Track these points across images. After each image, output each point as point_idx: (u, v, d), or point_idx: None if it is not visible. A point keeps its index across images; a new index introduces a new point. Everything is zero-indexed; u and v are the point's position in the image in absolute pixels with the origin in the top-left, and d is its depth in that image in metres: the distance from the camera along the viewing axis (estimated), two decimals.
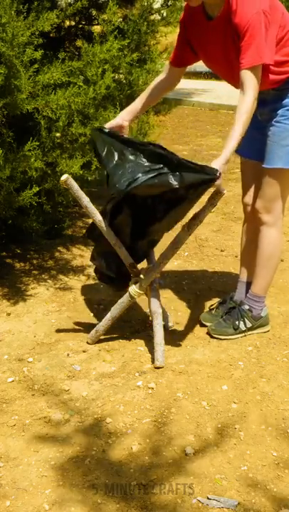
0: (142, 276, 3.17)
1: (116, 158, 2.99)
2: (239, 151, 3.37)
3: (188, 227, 3.04)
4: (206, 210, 2.99)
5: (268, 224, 3.27)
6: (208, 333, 3.45)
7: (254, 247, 3.42)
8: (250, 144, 3.30)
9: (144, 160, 2.94)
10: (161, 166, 2.86)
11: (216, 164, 2.85)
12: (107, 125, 3.22)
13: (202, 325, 3.53)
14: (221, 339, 3.40)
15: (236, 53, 2.88)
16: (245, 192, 3.46)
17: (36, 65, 3.55)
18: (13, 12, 3.33)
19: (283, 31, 2.95)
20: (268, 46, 2.84)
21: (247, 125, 2.89)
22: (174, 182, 2.79)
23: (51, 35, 4.61)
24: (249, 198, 3.42)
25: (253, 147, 3.29)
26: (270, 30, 2.84)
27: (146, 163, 2.92)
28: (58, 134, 3.83)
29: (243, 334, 3.43)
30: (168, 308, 3.67)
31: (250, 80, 2.85)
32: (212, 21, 2.97)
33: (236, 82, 2.98)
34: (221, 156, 2.87)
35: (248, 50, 2.81)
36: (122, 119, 3.26)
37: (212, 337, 3.41)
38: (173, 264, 4.35)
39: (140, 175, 2.84)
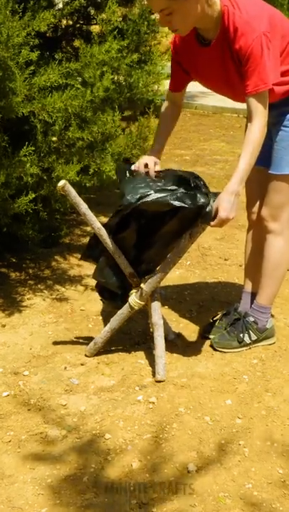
0: (142, 286, 3.19)
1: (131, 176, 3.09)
2: None
3: (191, 235, 3.06)
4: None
5: (275, 232, 3.28)
6: (211, 346, 3.46)
7: (259, 257, 3.43)
8: None
9: (161, 180, 3.00)
10: (176, 187, 2.94)
11: (224, 199, 2.90)
12: (136, 165, 3.20)
13: (205, 337, 3.54)
14: (224, 352, 3.41)
15: (239, 77, 2.89)
16: (249, 199, 3.48)
17: (32, 67, 3.57)
18: (8, 12, 3.35)
19: (285, 41, 2.94)
20: (271, 67, 2.83)
21: (256, 155, 2.90)
22: (184, 203, 2.90)
23: (48, 35, 4.63)
24: (253, 205, 3.44)
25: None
26: (272, 49, 2.82)
27: (161, 183, 2.97)
28: (54, 139, 3.85)
29: (248, 347, 3.44)
30: (169, 320, 3.68)
31: (257, 107, 2.85)
32: (207, 47, 2.97)
33: (239, 99, 3.01)
34: (228, 189, 2.90)
35: (253, 76, 2.81)
36: (150, 159, 3.21)
37: (215, 350, 3.43)
38: (175, 274, 4.36)
39: (152, 192, 2.92)
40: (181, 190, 2.92)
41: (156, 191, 2.92)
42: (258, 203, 3.42)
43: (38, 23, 3.59)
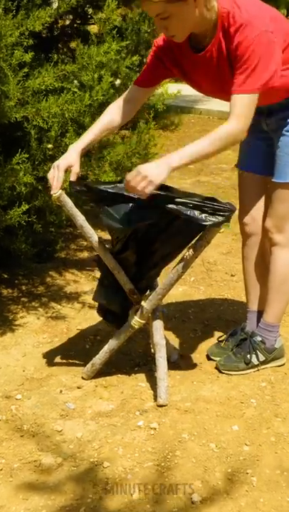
0: (143, 303, 3.21)
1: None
2: (240, 165, 3.43)
3: (194, 248, 3.08)
4: (213, 230, 3.03)
5: (281, 244, 3.30)
6: (217, 368, 3.47)
7: (261, 272, 3.45)
8: (252, 156, 3.34)
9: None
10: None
11: (153, 163, 2.86)
12: (61, 165, 3.06)
13: (210, 359, 3.56)
14: (231, 375, 3.42)
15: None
16: (243, 210, 3.47)
17: (26, 69, 3.58)
18: (0, 10, 3.38)
19: (285, 43, 2.94)
20: (271, 68, 2.82)
21: (215, 149, 2.86)
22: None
23: (43, 35, 4.66)
24: (249, 217, 3.44)
25: (257, 159, 3.33)
26: (276, 48, 2.82)
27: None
28: (49, 146, 3.87)
29: (256, 369, 3.46)
30: (172, 340, 3.70)
31: (242, 108, 2.82)
32: (200, 53, 2.96)
33: None
34: (164, 157, 2.85)
35: (245, 74, 2.79)
36: (74, 159, 3.10)
37: (221, 372, 3.44)
38: (178, 291, 4.38)
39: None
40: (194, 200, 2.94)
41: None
42: (254, 215, 3.42)
43: (33, 22, 3.60)
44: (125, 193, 2.91)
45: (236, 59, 2.81)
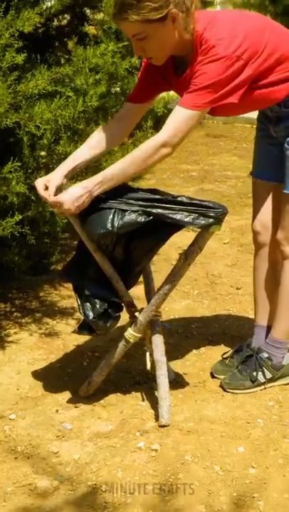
0: (137, 314, 3.23)
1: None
2: (254, 173, 3.45)
3: (186, 255, 3.10)
4: (205, 235, 3.05)
5: None
6: (221, 387, 3.48)
7: (271, 285, 3.47)
8: (265, 163, 3.36)
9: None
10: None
11: (73, 188, 2.96)
12: (41, 183, 3.09)
13: (214, 377, 3.57)
14: (236, 393, 3.43)
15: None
16: (256, 219, 3.48)
17: (17, 72, 3.59)
18: None
19: (272, 58, 2.98)
20: (225, 92, 2.88)
21: (133, 171, 2.96)
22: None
23: (37, 36, 4.67)
24: (261, 225, 3.45)
25: (269, 166, 3.34)
26: (238, 73, 2.88)
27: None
28: (42, 153, 3.88)
29: (263, 387, 3.47)
30: (174, 357, 3.71)
31: (176, 119, 2.91)
32: (180, 77, 3.05)
33: (222, 115, 3.15)
34: (82, 183, 2.95)
35: (193, 91, 2.88)
36: (61, 180, 3.14)
37: (226, 391, 3.45)
38: (180, 305, 4.40)
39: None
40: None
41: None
42: (267, 224, 3.44)
43: (22, 23, 3.60)
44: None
45: (193, 75, 2.89)
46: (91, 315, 3.13)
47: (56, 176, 3.09)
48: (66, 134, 3.94)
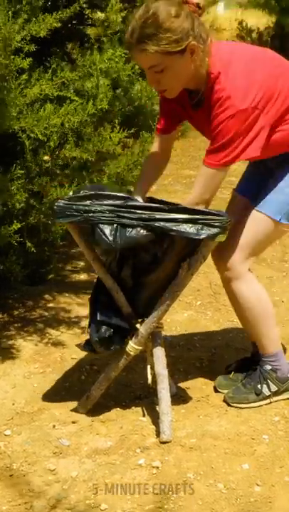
0: (138, 326, 3.23)
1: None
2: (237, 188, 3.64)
3: (189, 265, 3.10)
4: (209, 243, 3.05)
5: (230, 278, 3.42)
6: (225, 401, 3.48)
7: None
8: (248, 183, 3.55)
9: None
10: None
11: None
12: None
13: (218, 391, 3.57)
14: (241, 408, 3.43)
15: None
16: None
17: (25, 76, 3.61)
18: (10, 12, 3.41)
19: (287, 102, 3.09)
20: (246, 145, 2.99)
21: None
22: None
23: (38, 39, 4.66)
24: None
25: (252, 187, 3.48)
26: (256, 124, 2.97)
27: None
28: (46, 157, 3.88)
29: (268, 401, 3.47)
30: (176, 370, 3.71)
31: (204, 179, 3.10)
32: (198, 110, 3.14)
33: None
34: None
35: (214, 148, 3.00)
36: None
37: (230, 406, 3.45)
38: (182, 316, 4.40)
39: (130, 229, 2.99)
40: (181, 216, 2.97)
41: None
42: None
43: (37, 26, 3.63)
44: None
45: (211, 128, 2.99)
46: (95, 337, 3.17)
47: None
48: (72, 138, 3.95)
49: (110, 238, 2.95)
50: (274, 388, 3.47)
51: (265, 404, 3.45)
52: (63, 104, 3.81)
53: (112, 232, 2.95)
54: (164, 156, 3.45)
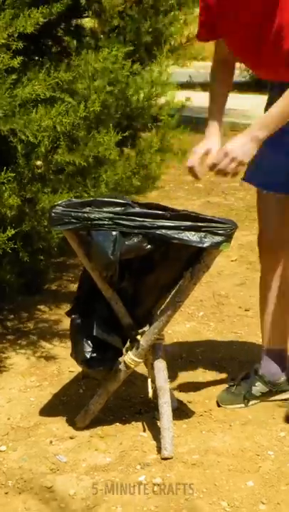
0: (138, 338, 3.24)
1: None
2: (257, 183, 3.43)
3: (192, 274, 3.11)
4: (212, 252, 3.06)
5: None
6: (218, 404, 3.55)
7: (280, 306, 3.48)
8: (274, 173, 3.32)
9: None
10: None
11: (237, 138, 2.99)
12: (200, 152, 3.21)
13: (221, 406, 3.57)
14: (244, 424, 3.42)
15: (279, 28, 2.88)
16: (262, 234, 3.48)
17: (14, 75, 3.60)
18: None
19: None
20: None
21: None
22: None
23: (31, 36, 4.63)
24: (271, 243, 3.43)
25: (279, 176, 3.29)
26: None
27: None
28: (38, 163, 3.89)
29: (257, 401, 3.50)
30: (178, 383, 3.73)
31: None
32: None
33: (261, 69, 3.10)
34: (246, 131, 3.01)
35: None
36: (214, 143, 3.23)
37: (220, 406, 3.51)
38: (184, 327, 4.40)
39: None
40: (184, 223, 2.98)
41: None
42: (274, 239, 3.42)
43: (23, 22, 3.62)
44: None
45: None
46: (83, 356, 3.20)
47: (215, 140, 3.22)
48: (64, 141, 3.95)
49: (109, 251, 2.96)
50: (264, 389, 3.50)
51: (270, 420, 3.45)
52: (54, 105, 3.81)
53: (111, 246, 2.96)
54: (227, 67, 3.35)
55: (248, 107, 11.39)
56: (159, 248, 3.01)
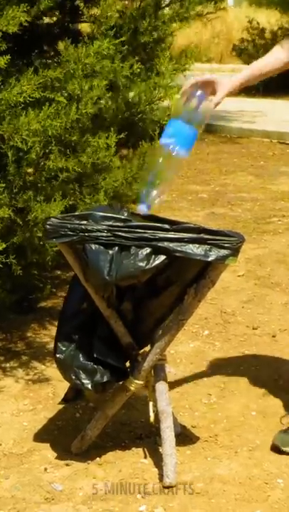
0: (139, 359, 3.25)
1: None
2: None
3: (196, 290, 3.12)
4: (218, 267, 3.07)
5: None
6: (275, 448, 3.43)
7: None
8: None
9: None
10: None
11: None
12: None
13: (282, 451, 3.42)
14: (252, 449, 3.43)
15: None
16: None
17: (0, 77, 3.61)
18: None
19: None
20: None
21: None
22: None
23: (21, 36, 4.66)
24: None
25: None
26: None
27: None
28: (30, 170, 3.90)
29: None
30: (181, 407, 3.73)
31: None
32: None
33: None
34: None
35: None
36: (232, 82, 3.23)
37: (281, 452, 3.40)
38: (188, 347, 4.41)
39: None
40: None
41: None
42: None
43: (5, 22, 3.63)
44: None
45: None
46: (88, 383, 3.20)
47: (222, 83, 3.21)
48: (57, 147, 3.95)
49: (105, 272, 2.98)
50: None
51: None
52: (43, 107, 3.81)
53: (107, 265, 2.98)
54: None
55: (257, 109, 11.46)
56: (162, 267, 3.03)
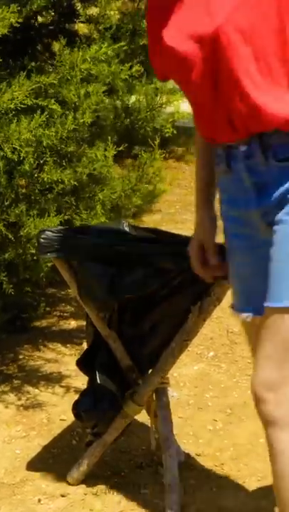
0: (140, 382, 3.25)
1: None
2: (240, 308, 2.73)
3: (201, 309, 3.13)
4: (224, 283, 3.08)
5: (276, 423, 2.68)
6: None
7: None
8: (253, 288, 2.63)
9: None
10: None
11: None
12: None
13: None
14: (260, 479, 3.43)
15: None
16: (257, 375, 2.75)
17: None
18: None
19: None
20: None
21: None
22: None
23: (13, 38, 4.66)
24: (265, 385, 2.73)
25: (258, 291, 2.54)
26: None
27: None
28: (22, 182, 3.91)
29: None
30: (185, 433, 3.74)
31: None
32: None
33: None
34: None
35: None
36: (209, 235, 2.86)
37: None
38: (192, 369, 4.42)
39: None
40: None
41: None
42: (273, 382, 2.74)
43: None
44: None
45: None
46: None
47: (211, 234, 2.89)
48: (52, 158, 3.96)
49: (104, 289, 2.99)
50: None
51: None
52: (34, 115, 3.81)
53: (107, 282, 2.99)
54: None
55: None
56: (163, 281, 3.04)
